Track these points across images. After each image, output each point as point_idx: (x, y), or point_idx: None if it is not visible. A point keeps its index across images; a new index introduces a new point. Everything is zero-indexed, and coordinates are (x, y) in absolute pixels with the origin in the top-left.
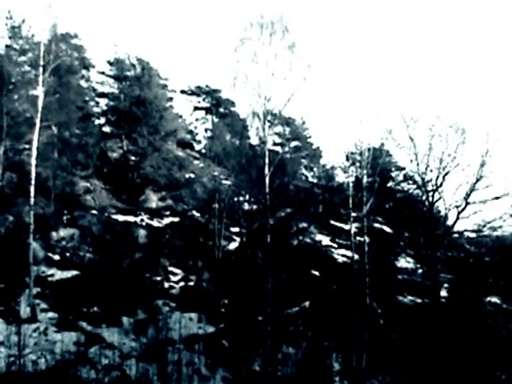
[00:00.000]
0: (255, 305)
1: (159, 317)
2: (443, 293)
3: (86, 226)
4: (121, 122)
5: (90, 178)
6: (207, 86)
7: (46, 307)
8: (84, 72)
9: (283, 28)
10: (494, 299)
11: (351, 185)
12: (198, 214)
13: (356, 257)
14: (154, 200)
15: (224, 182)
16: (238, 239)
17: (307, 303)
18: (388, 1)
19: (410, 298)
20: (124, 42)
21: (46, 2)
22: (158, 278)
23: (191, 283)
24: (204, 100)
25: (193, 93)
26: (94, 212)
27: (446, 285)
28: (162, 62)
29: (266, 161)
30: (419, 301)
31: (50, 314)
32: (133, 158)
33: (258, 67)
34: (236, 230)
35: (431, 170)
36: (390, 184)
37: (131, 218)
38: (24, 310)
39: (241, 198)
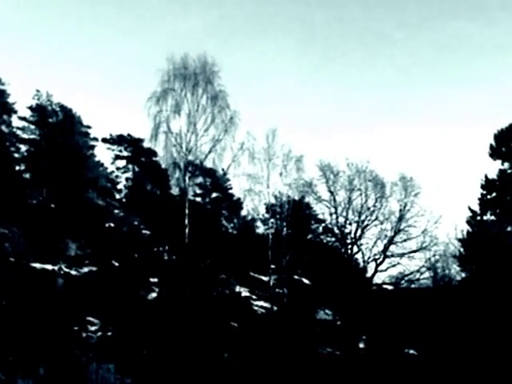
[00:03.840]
0: (174, 356)
1: (76, 367)
2: (361, 345)
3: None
4: (41, 169)
5: (8, 224)
6: (129, 135)
7: None
8: (5, 117)
9: (206, 80)
10: (412, 351)
11: (271, 236)
12: (117, 264)
13: (275, 308)
14: (73, 248)
15: (144, 231)
16: (157, 289)
17: (226, 355)
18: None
19: (329, 349)
20: (47, 87)
21: None
22: (76, 328)
23: (109, 333)
24: (126, 149)
25: (114, 141)
26: (11, 259)
27: (364, 337)
28: (84, 109)
29: (186, 211)
30: (338, 353)
31: None
32: (52, 205)
33: (181, 118)
34: (155, 280)
35: (350, 223)
36: (309, 236)
37: (49, 266)
38: None
39: (161, 248)
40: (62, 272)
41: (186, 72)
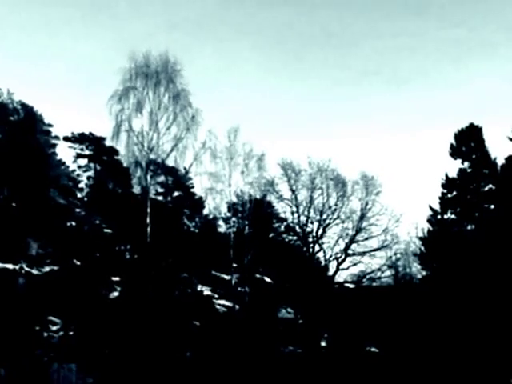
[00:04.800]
0: (136, 355)
1: (38, 367)
2: (323, 343)
3: None
4: (2, 168)
5: None
6: (91, 134)
7: None
8: None
9: (168, 78)
10: (373, 349)
11: (233, 235)
12: (78, 263)
13: (237, 307)
14: (34, 247)
15: (106, 230)
16: (119, 288)
17: (188, 354)
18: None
19: (291, 348)
20: (8, 85)
21: None
22: (37, 328)
23: (71, 333)
24: (87, 148)
25: (76, 140)
26: None
27: (325, 335)
28: (45, 107)
29: (148, 210)
30: (300, 351)
31: None
32: (13, 204)
33: (143, 116)
34: (117, 279)
35: (312, 222)
36: (271, 235)
37: (10, 266)
38: None
39: (122, 247)
40: (23, 271)
41: (148, 70)
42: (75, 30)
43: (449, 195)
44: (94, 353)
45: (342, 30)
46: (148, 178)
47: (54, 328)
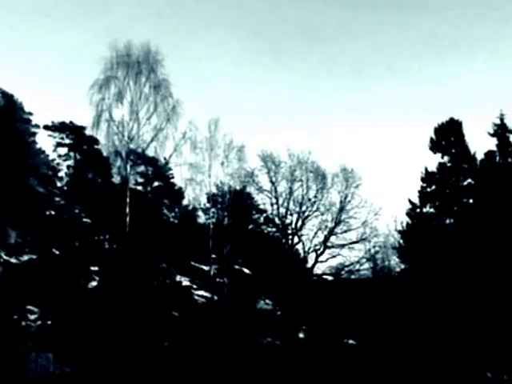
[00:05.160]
0: (114, 345)
1: (15, 356)
2: (301, 334)
3: None
4: None
5: None
6: (71, 123)
7: None
8: None
9: (149, 68)
10: (351, 341)
11: (212, 226)
12: (57, 252)
13: (215, 298)
14: (12, 236)
15: (85, 219)
16: (97, 278)
17: (166, 344)
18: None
19: (269, 339)
20: None
21: None
22: (15, 317)
23: (49, 322)
24: (67, 137)
25: (56, 129)
26: None
27: (304, 327)
28: (26, 96)
29: (127, 200)
30: (278, 342)
31: None
32: None
33: (123, 106)
34: (96, 268)
35: (291, 214)
36: (250, 226)
37: None
38: None
39: (101, 237)
40: (1, 260)
41: (129, 60)
42: (57, 18)
43: (428, 189)
44: (72, 342)
45: (323, 23)
46: (128, 167)
47: (32, 317)
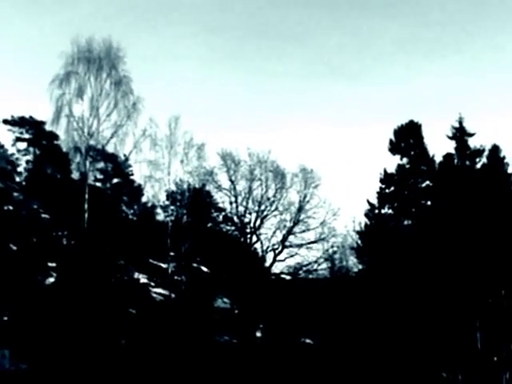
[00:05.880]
0: (71, 342)
1: None
2: (258, 333)
3: None
4: None
5: None
6: (31, 118)
7: None
8: None
9: (111, 64)
10: (308, 340)
11: (170, 224)
12: (15, 247)
13: (173, 296)
14: None
15: (44, 215)
16: (55, 274)
17: (123, 341)
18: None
19: (227, 337)
20: None
21: None
22: None
23: (5, 318)
24: (27, 131)
25: (16, 123)
26: None
27: (261, 325)
28: None
29: (86, 196)
30: (235, 341)
31: None
32: None
33: (83, 102)
34: (53, 264)
35: (250, 213)
36: (209, 224)
37: None
38: None
39: (60, 233)
40: None
41: (90, 56)
42: (18, 11)
43: (387, 190)
44: (29, 339)
45: (283, 22)
46: (87, 163)
47: None
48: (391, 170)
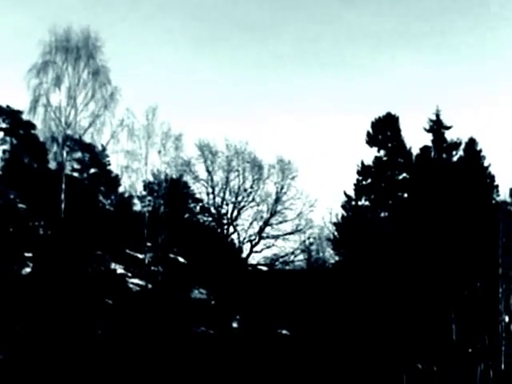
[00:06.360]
0: (48, 332)
1: None
2: (235, 324)
3: None
4: None
5: None
6: (8, 107)
7: None
8: None
9: (88, 54)
10: (284, 331)
11: (147, 214)
12: None
13: (150, 286)
14: None
15: (20, 205)
16: (31, 264)
17: (100, 332)
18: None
19: (203, 328)
20: None
21: None
22: None
23: None
24: (4, 121)
25: None
26: None
27: (237, 316)
28: None
29: (63, 186)
30: (212, 332)
31: None
32: None
33: (61, 92)
34: (30, 254)
35: (227, 204)
36: (186, 215)
37: None
38: None
39: (36, 223)
40: None
41: (68, 45)
42: None
43: (364, 182)
44: (5, 329)
45: (261, 15)
46: (64, 153)
47: None
48: (368, 162)
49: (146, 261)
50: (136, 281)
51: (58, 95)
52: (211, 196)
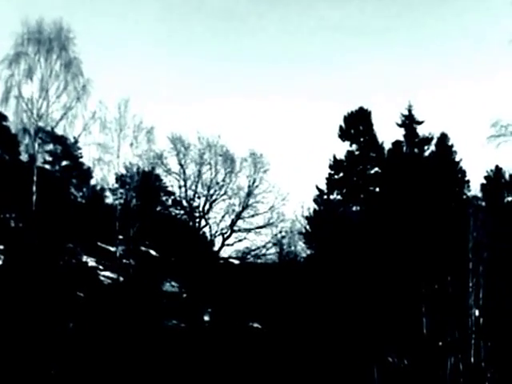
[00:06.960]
0: (17, 325)
1: None
2: (206, 317)
3: None
4: None
5: None
6: None
7: None
8: None
9: (61, 46)
10: (256, 324)
11: (119, 207)
12: None
13: (121, 279)
14: None
15: None
16: (2, 257)
17: (71, 325)
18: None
19: (175, 321)
20: None
21: None
22: None
23: None
24: None
25: None
26: None
27: (209, 309)
28: None
29: (35, 178)
30: (183, 325)
31: None
32: None
33: (33, 83)
34: (1, 247)
35: (199, 197)
36: (158, 208)
37: None
38: None
39: (7, 215)
40: None
41: (40, 37)
42: None
43: (336, 176)
44: None
45: (236, 7)
46: (36, 145)
47: None
48: (341, 156)
49: (118, 254)
50: (107, 274)
51: (30, 87)
52: (183, 189)
